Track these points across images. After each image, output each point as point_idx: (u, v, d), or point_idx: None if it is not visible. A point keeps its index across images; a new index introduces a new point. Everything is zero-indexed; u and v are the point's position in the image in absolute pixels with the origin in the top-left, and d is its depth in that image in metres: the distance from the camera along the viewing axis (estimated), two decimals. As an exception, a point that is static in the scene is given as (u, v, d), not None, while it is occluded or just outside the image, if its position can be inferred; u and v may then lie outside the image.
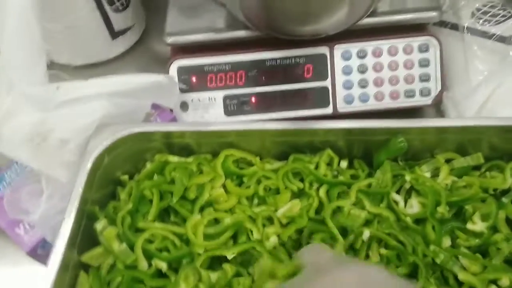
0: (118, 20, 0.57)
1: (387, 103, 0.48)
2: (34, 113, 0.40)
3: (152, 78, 0.41)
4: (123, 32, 0.59)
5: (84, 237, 0.37)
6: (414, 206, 0.38)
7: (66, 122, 0.39)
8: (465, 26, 0.49)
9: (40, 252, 0.40)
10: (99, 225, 0.37)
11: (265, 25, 0.45)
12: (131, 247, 0.36)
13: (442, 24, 0.51)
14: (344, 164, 0.41)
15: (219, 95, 0.50)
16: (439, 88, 0.48)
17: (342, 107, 0.49)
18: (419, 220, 0.38)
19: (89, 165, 0.38)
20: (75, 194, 0.37)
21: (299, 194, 0.40)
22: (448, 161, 0.40)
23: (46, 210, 0.39)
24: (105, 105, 0.40)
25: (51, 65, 0.42)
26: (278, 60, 0.49)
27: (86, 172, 0.38)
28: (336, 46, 0.48)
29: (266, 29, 0.45)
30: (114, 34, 0.58)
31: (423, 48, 0.47)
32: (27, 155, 0.39)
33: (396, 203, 0.39)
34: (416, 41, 0.47)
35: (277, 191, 0.40)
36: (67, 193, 0.39)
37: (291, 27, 0.44)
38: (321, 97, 0.49)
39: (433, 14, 0.46)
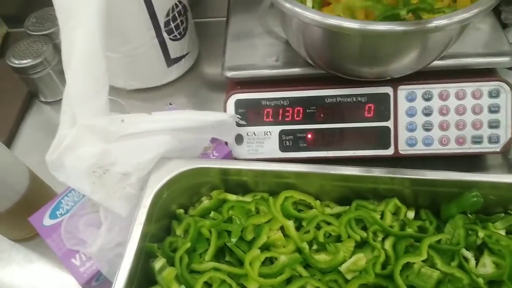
0: (175, 48, 0.58)
1: (453, 148, 0.46)
2: (97, 144, 0.40)
3: (216, 116, 0.41)
4: (178, 59, 0.60)
5: (142, 274, 0.37)
6: (487, 266, 0.36)
7: (128, 155, 0.39)
8: (539, 72, 0.46)
9: (94, 284, 0.40)
10: (157, 264, 0.37)
11: (328, 66, 0.44)
12: (189, 289, 0.36)
13: (513, 67, 0.48)
14: (411, 214, 0.39)
15: (275, 130, 0.49)
16: (509, 135, 0.45)
17: (404, 150, 0.47)
18: (492, 282, 0.35)
19: (149, 200, 0.38)
20: (135, 230, 0.36)
21: (361, 244, 0.38)
22: (523, 217, 0.38)
23: (104, 244, 0.39)
24: (168, 140, 0.40)
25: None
26: (338, 98, 0.47)
27: (146, 208, 0.38)
28: (401, 87, 0.46)
29: (329, 68, 0.44)
30: (170, 62, 0.59)
31: (493, 94, 0.45)
32: (89, 187, 0.39)
33: (466, 260, 0.37)
34: (486, 85, 0.45)
35: (338, 238, 0.39)
36: (125, 226, 0.39)
37: (356, 69, 0.43)
38: (382, 138, 0.47)
39: (506, 59, 0.44)
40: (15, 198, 0.44)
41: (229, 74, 0.48)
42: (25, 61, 0.57)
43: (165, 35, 0.55)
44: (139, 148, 0.40)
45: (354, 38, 0.38)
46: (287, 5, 0.38)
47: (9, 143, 0.59)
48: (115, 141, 0.40)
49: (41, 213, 0.43)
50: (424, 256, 0.35)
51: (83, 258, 0.40)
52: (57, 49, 0.60)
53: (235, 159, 0.50)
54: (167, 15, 0.54)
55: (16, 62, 0.57)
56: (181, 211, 0.42)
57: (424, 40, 0.38)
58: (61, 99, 0.41)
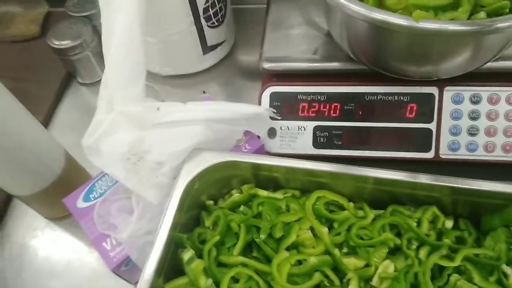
0: (212, 36, 0.57)
1: (498, 156, 0.44)
2: (132, 131, 0.40)
3: (251, 109, 0.40)
4: (214, 47, 0.59)
5: (170, 263, 0.37)
6: (529, 285, 0.34)
7: (163, 144, 0.39)
8: None
9: (123, 269, 0.41)
10: (186, 255, 0.37)
11: (372, 62, 0.42)
12: (216, 283, 0.36)
13: None
14: (449, 224, 0.37)
15: (310, 125, 0.48)
16: (562, 145, 0.43)
17: (445, 154, 0.45)
18: (533, 302, 0.34)
19: (181, 191, 0.38)
20: (166, 220, 0.37)
21: (393, 250, 0.37)
22: None
23: (135, 230, 0.39)
24: (202, 130, 0.40)
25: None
26: (378, 96, 0.45)
27: (178, 198, 0.38)
28: (447, 88, 0.44)
29: (372, 65, 0.42)
30: (206, 49, 0.58)
31: (549, 100, 0.42)
32: (122, 173, 0.39)
33: (506, 275, 0.35)
34: (541, 91, 0.42)
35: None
36: (156, 214, 0.40)
37: (402, 68, 0.41)
38: (422, 140, 0.45)
39: None
40: (51, 178, 0.46)
41: (267, 65, 0.47)
42: (64, 42, 0.58)
43: (203, 21, 0.54)
44: (173, 138, 0.40)
45: (401, 35, 0.36)
46: (332, -4, 0.36)
47: (46, 123, 0.60)
48: (150, 129, 0.40)
49: (75, 195, 0.44)
50: (457, 263, 0.33)
51: (114, 243, 0.40)
52: (96, 31, 0.60)
53: (267, 152, 0.49)
54: (206, 1, 0.53)
55: (56, 43, 0.58)
56: (211, 202, 0.42)
57: (480, 42, 0.35)
58: (98, 81, 0.42)
